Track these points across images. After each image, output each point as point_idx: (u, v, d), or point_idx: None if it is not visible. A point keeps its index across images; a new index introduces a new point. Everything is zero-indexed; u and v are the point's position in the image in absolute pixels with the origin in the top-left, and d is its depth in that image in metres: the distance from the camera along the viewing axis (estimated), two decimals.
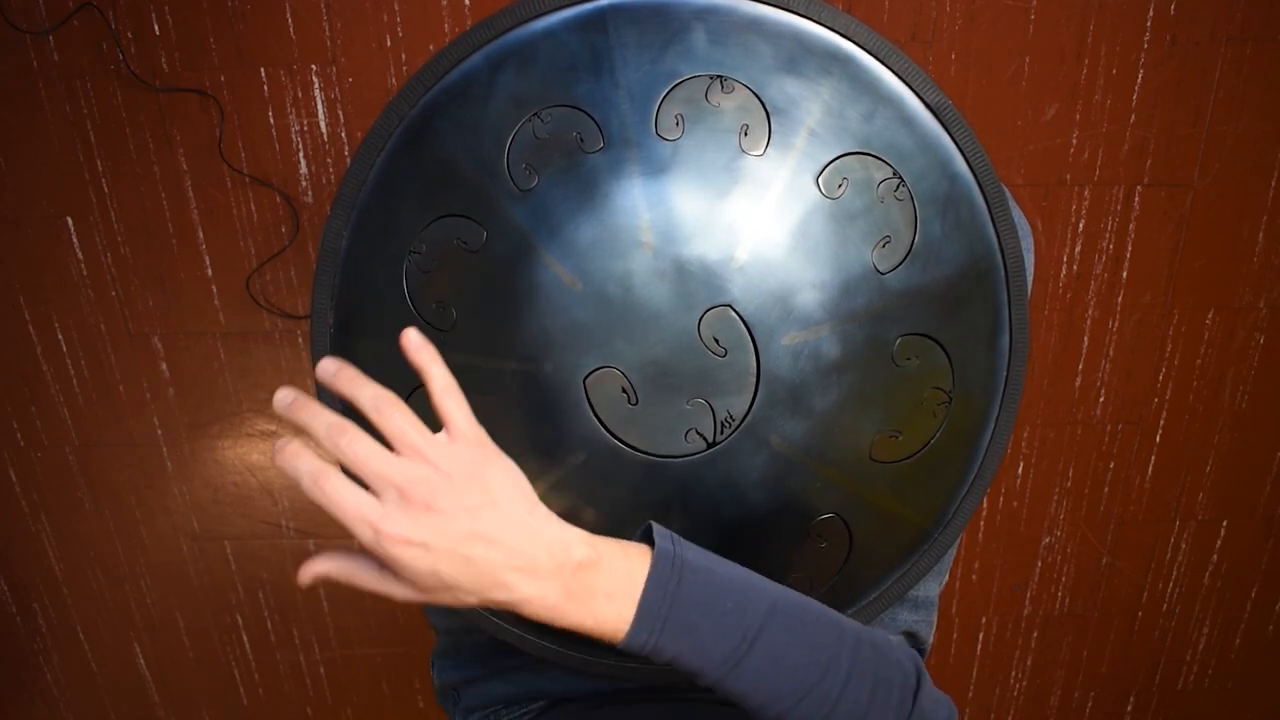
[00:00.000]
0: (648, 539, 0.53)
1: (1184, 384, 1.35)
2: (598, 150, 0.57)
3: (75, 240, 1.29)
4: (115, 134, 1.23)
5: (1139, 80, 1.17)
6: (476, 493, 0.48)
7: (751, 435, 0.59)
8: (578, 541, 0.51)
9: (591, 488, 0.61)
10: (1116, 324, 1.31)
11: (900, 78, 0.59)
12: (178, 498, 1.46)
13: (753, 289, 0.57)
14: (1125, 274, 1.28)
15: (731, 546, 0.63)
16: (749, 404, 0.58)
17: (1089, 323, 1.31)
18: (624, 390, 0.58)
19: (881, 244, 0.58)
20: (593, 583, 0.50)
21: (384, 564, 0.49)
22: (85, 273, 1.31)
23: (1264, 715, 1.60)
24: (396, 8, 1.16)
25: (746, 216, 0.57)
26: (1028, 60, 1.17)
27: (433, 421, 0.50)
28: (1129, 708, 1.61)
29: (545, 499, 0.62)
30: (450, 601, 0.49)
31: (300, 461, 0.47)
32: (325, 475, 0.46)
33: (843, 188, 0.58)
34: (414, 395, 0.61)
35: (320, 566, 0.50)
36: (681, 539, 0.54)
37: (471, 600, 0.49)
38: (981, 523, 1.45)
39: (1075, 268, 1.28)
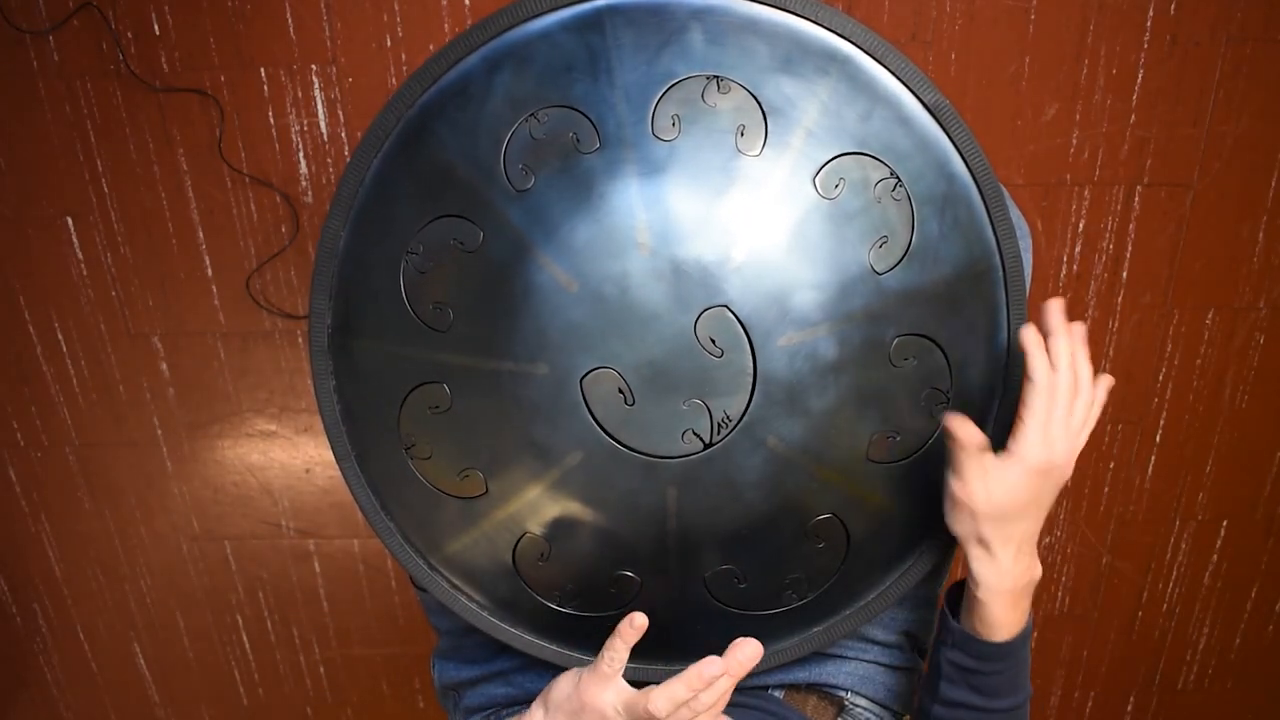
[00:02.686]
0: None
1: (1184, 384, 1.34)
2: (594, 151, 0.57)
3: (75, 240, 1.29)
4: (115, 134, 1.23)
5: (1139, 80, 1.17)
6: None
7: (748, 436, 0.59)
8: None
9: (589, 488, 0.61)
10: (1116, 324, 1.31)
11: (897, 77, 0.59)
12: (178, 498, 1.46)
13: (749, 289, 0.57)
14: (1125, 274, 1.28)
15: (729, 547, 0.63)
16: (746, 404, 0.58)
17: (1089, 323, 1.31)
18: (621, 391, 0.58)
19: (879, 244, 0.58)
20: None
21: None
22: (85, 273, 1.31)
23: (1264, 715, 1.60)
24: (396, 8, 1.16)
25: (743, 217, 0.57)
26: (1028, 60, 1.17)
27: None
28: (1129, 708, 1.61)
29: (542, 500, 0.62)
30: None
31: None
32: None
33: (840, 188, 0.58)
34: (411, 395, 0.62)
35: None
36: None
37: None
38: None
39: (1075, 268, 1.28)
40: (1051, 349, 0.60)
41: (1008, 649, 0.64)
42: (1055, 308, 0.61)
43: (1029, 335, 0.59)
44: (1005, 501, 0.60)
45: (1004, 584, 0.63)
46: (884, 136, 0.59)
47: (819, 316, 0.58)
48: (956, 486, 0.61)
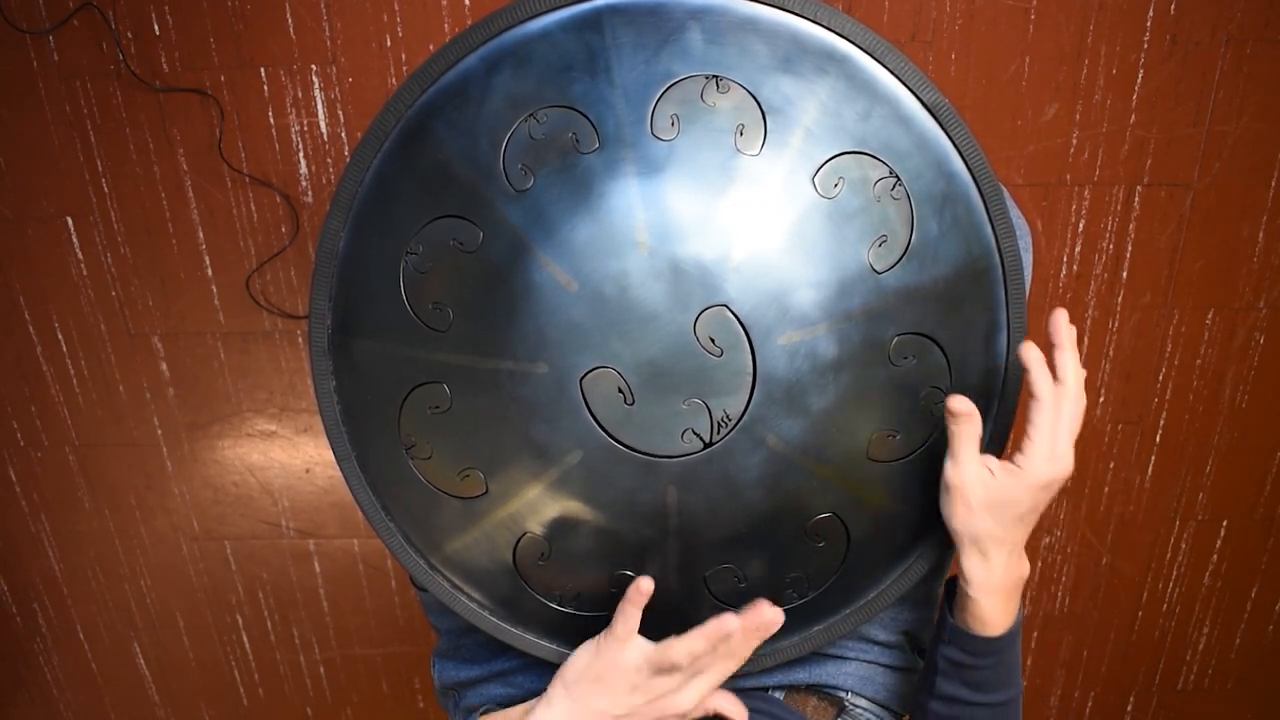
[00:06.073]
0: None
1: (1184, 384, 1.34)
2: (593, 150, 0.57)
3: (75, 240, 1.29)
4: (115, 134, 1.23)
5: (1139, 80, 1.17)
6: None
7: (748, 435, 0.59)
8: None
9: (589, 487, 0.61)
10: (1116, 324, 1.31)
11: (896, 76, 0.59)
12: (178, 498, 1.46)
13: (748, 288, 0.57)
14: (1125, 274, 1.28)
15: (729, 546, 0.63)
16: (745, 404, 0.58)
17: (1089, 323, 1.31)
18: (620, 390, 0.58)
19: (878, 243, 0.58)
20: None
21: None
22: (85, 273, 1.31)
23: (1264, 715, 1.60)
24: (396, 8, 1.16)
25: (742, 216, 0.57)
26: (1028, 60, 1.17)
27: None
28: (1129, 708, 1.61)
29: (542, 500, 0.62)
30: None
31: None
32: None
33: (839, 187, 0.58)
34: (411, 395, 0.62)
35: None
36: None
37: None
38: None
39: (1075, 268, 1.28)
40: (1058, 362, 0.59)
41: (998, 644, 0.65)
42: (1063, 320, 0.60)
43: (1030, 353, 0.59)
44: (1005, 512, 0.61)
45: (993, 582, 0.63)
46: (883, 135, 0.59)
47: (818, 315, 0.58)
48: (951, 472, 0.60)
